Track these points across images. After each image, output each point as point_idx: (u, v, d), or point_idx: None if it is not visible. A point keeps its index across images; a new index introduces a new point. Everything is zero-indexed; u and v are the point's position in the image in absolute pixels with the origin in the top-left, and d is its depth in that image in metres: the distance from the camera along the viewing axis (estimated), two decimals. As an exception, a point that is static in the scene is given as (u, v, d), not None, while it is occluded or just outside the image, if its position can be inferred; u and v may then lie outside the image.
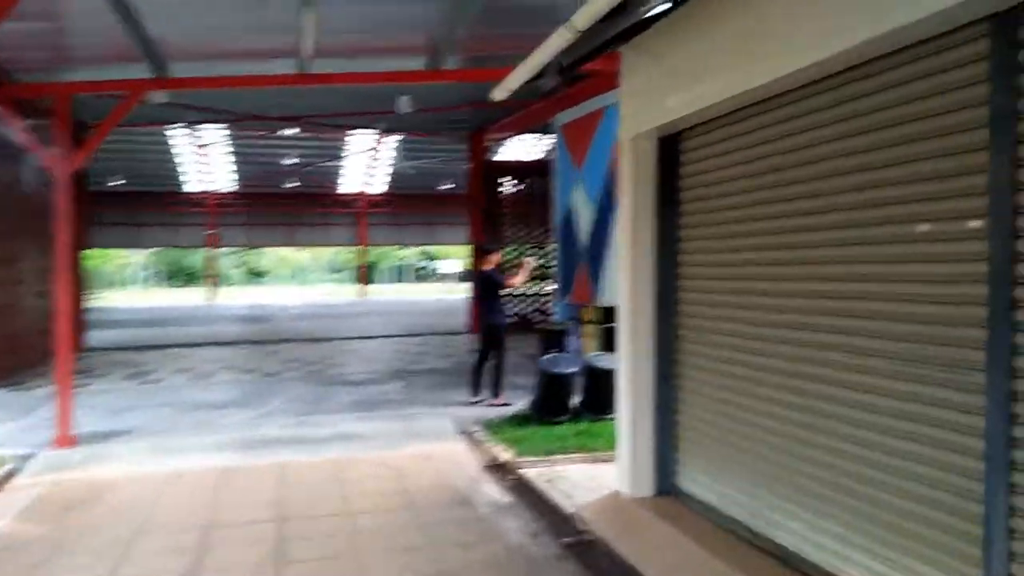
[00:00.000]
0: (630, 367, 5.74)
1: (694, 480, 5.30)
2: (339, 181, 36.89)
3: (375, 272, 57.48)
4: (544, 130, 17.61)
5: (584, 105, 11.41)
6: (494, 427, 7.65)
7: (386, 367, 11.96)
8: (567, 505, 5.56)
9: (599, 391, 7.78)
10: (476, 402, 8.95)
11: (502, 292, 9.48)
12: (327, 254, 69.56)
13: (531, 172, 18.79)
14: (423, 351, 14.19)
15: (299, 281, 68.72)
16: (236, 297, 41.77)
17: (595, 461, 6.37)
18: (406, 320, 23.54)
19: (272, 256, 68.86)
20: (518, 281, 10.16)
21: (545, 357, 8.11)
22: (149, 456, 6.95)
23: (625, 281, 6.03)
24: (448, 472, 6.36)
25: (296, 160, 31.13)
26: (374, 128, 17.21)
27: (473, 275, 9.38)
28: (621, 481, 5.65)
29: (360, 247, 41.57)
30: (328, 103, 13.66)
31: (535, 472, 6.16)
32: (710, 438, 5.16)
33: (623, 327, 5.93)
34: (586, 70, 6.82)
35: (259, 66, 9.17)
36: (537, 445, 6.88)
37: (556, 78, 5.70)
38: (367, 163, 34.74)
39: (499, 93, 6.71)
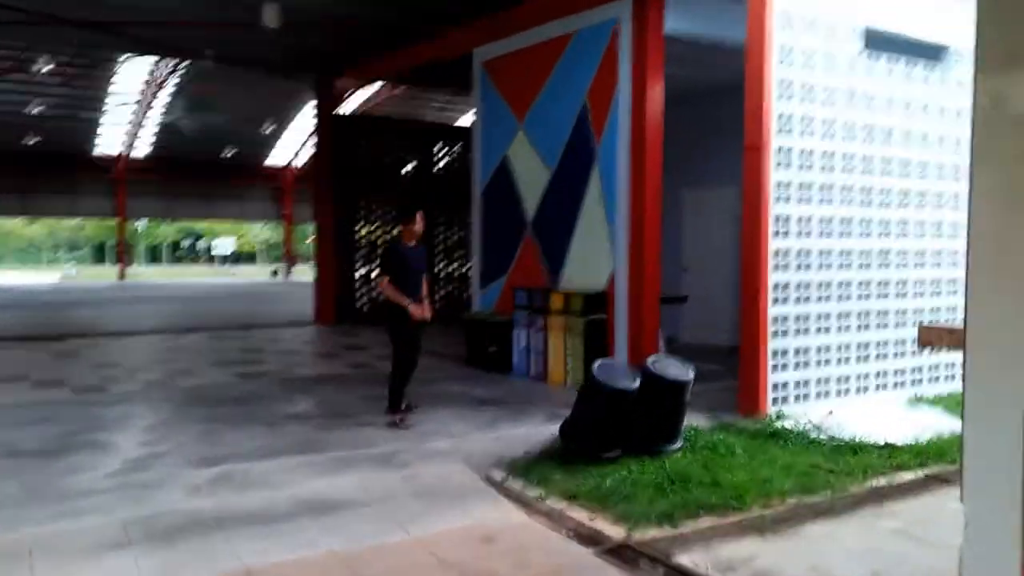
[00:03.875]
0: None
1: None
2: (95, 140, 30.55)
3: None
4: (441, 77, 14.62)
5: (528, 35, 9.07)
6: (534, 471, 5.22)
7: (263, 375, 8.79)
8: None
9: (661, 413, 5.64)
10: (397, 422, 6.32)
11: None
12: (67, 228, 59.14)
13: (419, 134, 15.56)
14: (288, 349, 11.00)
15: (29, 260, 57.71)
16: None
17: (750, 531, 4.14)
18: (211, 308, 19.39)
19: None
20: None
21: (598, 365, 5.77)
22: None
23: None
24: (544, 568, 3.83)
25: (41, 108, 24.97)
26: (204, 57, 13.18)
27: (394, 250, 6.59)
28: None
29: (118, 220, 35.04)
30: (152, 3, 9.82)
31: (692, 561, 3.84)
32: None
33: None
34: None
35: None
36: (638, 504, 4.59)
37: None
38: (133, 118, 29.02)
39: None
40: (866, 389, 7.00)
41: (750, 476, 5.04)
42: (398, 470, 5.33)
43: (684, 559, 4.02)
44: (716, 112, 9.30)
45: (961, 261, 7.78)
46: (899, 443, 5.75)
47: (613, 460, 5.45)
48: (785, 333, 6.50)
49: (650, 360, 5.81)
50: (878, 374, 7.08)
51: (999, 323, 3.02)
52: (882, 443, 5.73)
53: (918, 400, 7.19)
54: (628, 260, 7.63)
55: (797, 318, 6.56)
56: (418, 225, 6.63)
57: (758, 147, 6.30)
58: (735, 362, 6.83)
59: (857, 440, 5.78)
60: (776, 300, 6.42)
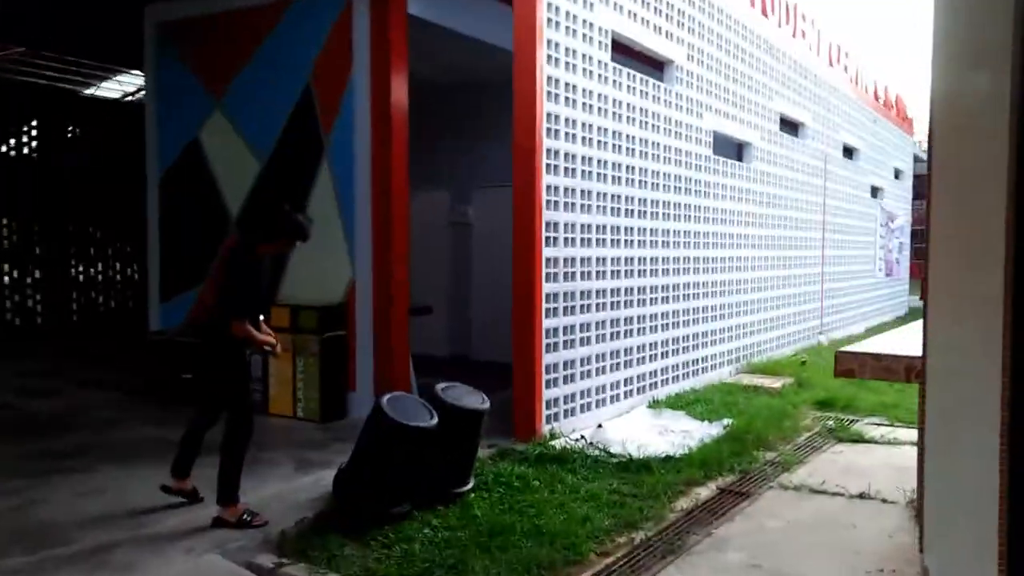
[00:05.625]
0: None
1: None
2: None
3: None
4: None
5: None
6: (314, 546, 3.93)
7: None
8: None
9: (458, 451, 4.79)
10: (176, 492, 4.72)
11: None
12: None
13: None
14: None
15: None
16: None
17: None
18: None
19: None
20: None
21: (387, 400, 4.61)
22: None
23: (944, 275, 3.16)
24: None
25: None
26: None
27: (251, 268, 4.53)
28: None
29: None
30: None
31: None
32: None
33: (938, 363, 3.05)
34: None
35: None
36: (471, 574, 3.65)
37: None
38: None
39: None
40: (617, 398, 6.97)
41: (567, 516, 4.51)
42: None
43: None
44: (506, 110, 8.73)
45: (696, 266, 8.40)
46: (674, 453, 5.71)
47: (405, 515, 4.51)
48: (556, 347, 6.12)
49: (440, 388, 4.96)
50: (626, 381, 7.10)
51: (959, 352, 2.83)
52: (661, 455, 5.63)
53: (656, 403, 7.38)
54: (372, 267, 6.65)
55: (566, 329, 6.23)
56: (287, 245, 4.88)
57: (530, 149, 5.82)
58: (494, 378, 6.30)
59: (637, 456, 5.61)
60: (548, 312, 6.01)
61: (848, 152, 13.59)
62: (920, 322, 3.85)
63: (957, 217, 2.75)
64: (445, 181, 10.20)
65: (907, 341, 3.48)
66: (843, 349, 3.20)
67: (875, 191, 15.35)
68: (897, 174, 17.28)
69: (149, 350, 7.66)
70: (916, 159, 19.90)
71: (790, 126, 10.92)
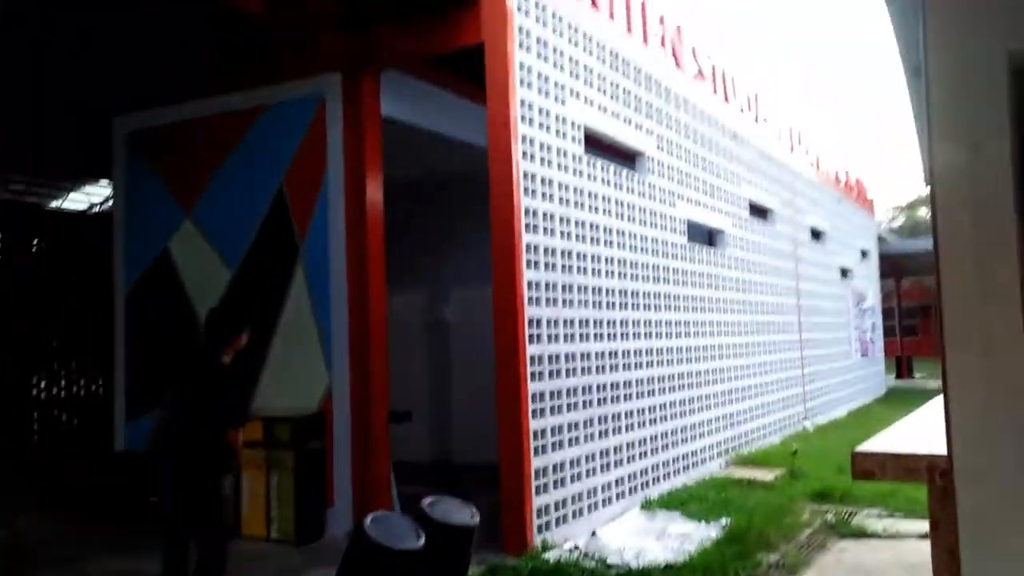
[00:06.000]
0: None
1: None
2: None
3: None
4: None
5: (198, 105, 7.44)
6: None
7: None
8: None
9: (446, 570, 4.44)
10: None
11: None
12: None
13: None
14: None
15: None
16: None
17: None
18: None
19: None
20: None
21: (370, 521, 4.26)
22: None
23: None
24: None
25: None
26: None
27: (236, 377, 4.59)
28: None
29: None
30: None
31: None
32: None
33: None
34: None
35: None
36: None
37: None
38: None
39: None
40: (610, 500, 6.65)
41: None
42: None
43: None
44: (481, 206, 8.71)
45: (680, 357, 8.23)
46: (674, 561, 5.39)
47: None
48: (545, 449, 5.85)
49: (427, 504, 4.63)
50: (618, 482, 6.80)
51: (989, 447, 2.68)
52: (661, 564, 5.31)
53: (650, 504, 7.06)
54: (350, 373, 6.38)
55: (555, 430, 5.97)
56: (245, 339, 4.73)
57: (510, 245, 5.71)
58: (478, 481, 5.99)
59: (636, 566, 5.28)
60: (536, 412, 5.77)
61: (816, 235, 13.79)
62: (930, 407, 3.68)
63: (970, 299, 2.64)
64: (422, 280, 10.07)
65: (923, 433, 3.30)
66: (859, 449, 3.00)
67: (844, 272, 15.53)
68: (864, 254, 17.56)
69: (115, 469, 7.21)
70: (880, 239, 20.33)
71: (759, 212, 11.05)
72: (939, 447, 3.31)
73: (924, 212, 46.26)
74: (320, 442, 6.42)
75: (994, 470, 2.59)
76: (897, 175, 70.95)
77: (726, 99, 10.04)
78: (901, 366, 23.43)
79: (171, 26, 6.78)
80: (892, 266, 22.92)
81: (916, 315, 37.72)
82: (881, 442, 3.25)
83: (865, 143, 71.16)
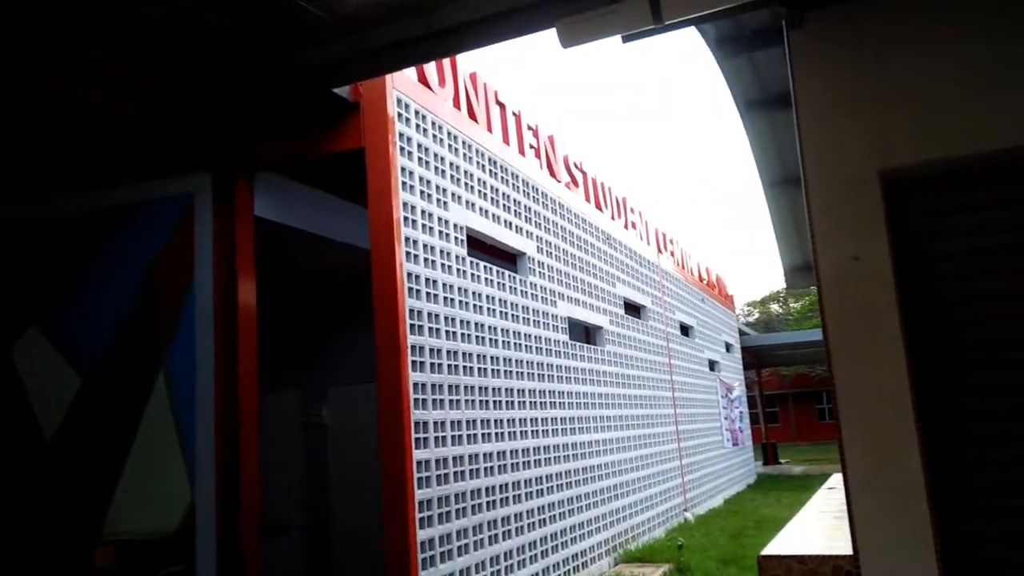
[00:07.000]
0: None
1: None
2: None
3: None
4: None
5: (58, 202, 6.93)
6: None
7: None
8: None
9: None
10: None
11: None
12: None
13: None
14: None
15: None
16: None
17: None
18: None
19: None
20: None
21: None
22: None
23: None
24: None
25: None
26: None
27: None
28: None
29: None
30: None
31: None
32: None
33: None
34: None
35: None
36: None
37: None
38: None
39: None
40: (502, 610, 6.37)
41: None
42: None
43: None
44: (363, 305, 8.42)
45: (565, 454, 8.18)
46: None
47: None
48: (433, 561, 5.55)
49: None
50: (509, 590, 6.54)
51: (893, 551, 2.72)
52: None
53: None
54: (215, 486, 5.87)
55: (443, 539, 5.70)
56: None
57: (394, 346, 5.56)
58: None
59: None
60: (423, 521, 5.50)
61: (685, 330, 14.41)
62: (816, 501, 3.78)
63: (864, 401, 2.77)
64: (296, 380, 9.62)
65: (822, 533, 3.37)
66: (765, 553, 3.01)
67: (712, 364, 16.23)
68: (728, 347, 18.47)
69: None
70: (741, 332, 21.52)
71: (633, 309, 11.45)
72: (840, 547, 3.40)
73: (775, 307, 49.67)
74: (183, 564, 5.82)
75: (900, 571, 2.66)
76: (747, 273, 76.30)
77: (598, 207, 10.50)
78: (767, 453, 24.45)
79: (31, 120, 6.39)
80: (752, 357, 24.26)
81: (775, 403, 39.94)
82: (784, 544, 3.29)
83: (721, 242, 76.42)
